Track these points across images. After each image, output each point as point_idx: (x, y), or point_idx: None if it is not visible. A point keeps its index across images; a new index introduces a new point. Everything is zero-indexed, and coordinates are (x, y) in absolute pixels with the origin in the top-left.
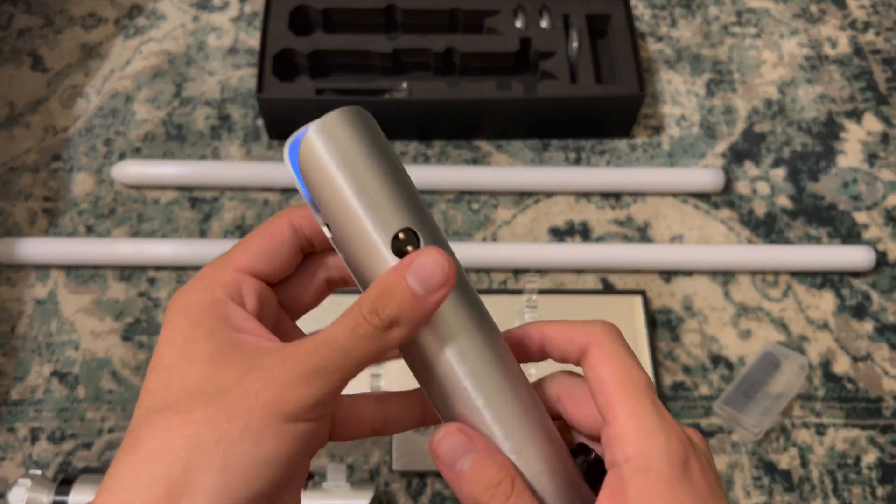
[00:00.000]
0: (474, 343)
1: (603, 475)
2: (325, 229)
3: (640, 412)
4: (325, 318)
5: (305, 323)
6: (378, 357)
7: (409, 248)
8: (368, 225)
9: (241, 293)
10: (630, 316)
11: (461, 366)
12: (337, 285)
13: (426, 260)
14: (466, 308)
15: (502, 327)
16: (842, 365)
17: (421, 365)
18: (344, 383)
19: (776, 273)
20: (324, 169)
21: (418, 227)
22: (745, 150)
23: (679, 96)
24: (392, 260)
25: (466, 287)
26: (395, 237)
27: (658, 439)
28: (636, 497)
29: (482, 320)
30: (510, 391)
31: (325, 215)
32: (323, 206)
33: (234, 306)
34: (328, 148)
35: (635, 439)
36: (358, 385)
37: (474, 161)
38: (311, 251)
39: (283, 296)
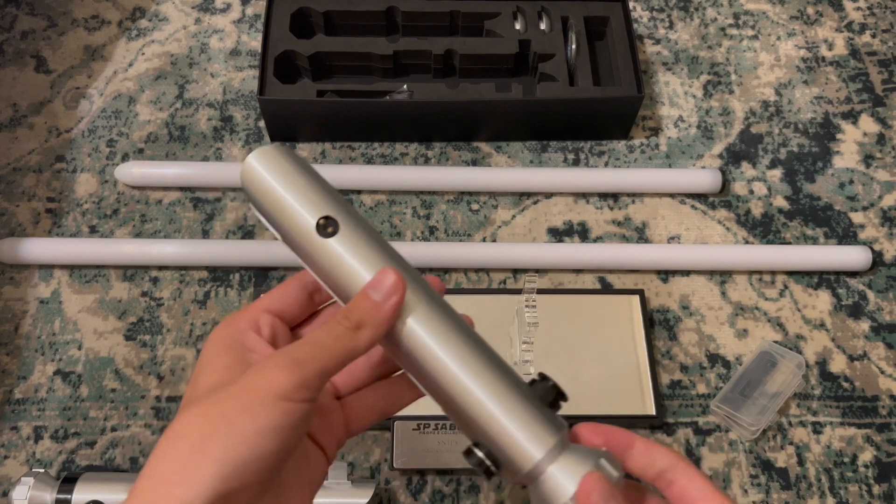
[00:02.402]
0: (439, 337)
1: (558, 396)
2: (275, 232)
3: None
4: None
5: None
6: (352, 355)
7: (330, 229)
8: (297, 218)
9: (259, 325)
10: (628, 315)
11: (435, 354)
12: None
13: (381, 276)
14: (433, 311)
15: (501, 326)
16: (838, 364)
17: (404, 361)
18: (324, 373)
19: (773, 273)
20: (261, 182)
21: (336, 215)
22: (743, 151)
23: (677, 98)
24: (318, 239)
25: (424, 290)
26: (318, 224)
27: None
28: None
29: (447, 317)
30: (472, 361)
31: (270, 221)
32: (265, 214)
33: (251, 334)
34: (262, 168)
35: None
36: None
37: (474, 162)
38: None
39: (302, 333)
